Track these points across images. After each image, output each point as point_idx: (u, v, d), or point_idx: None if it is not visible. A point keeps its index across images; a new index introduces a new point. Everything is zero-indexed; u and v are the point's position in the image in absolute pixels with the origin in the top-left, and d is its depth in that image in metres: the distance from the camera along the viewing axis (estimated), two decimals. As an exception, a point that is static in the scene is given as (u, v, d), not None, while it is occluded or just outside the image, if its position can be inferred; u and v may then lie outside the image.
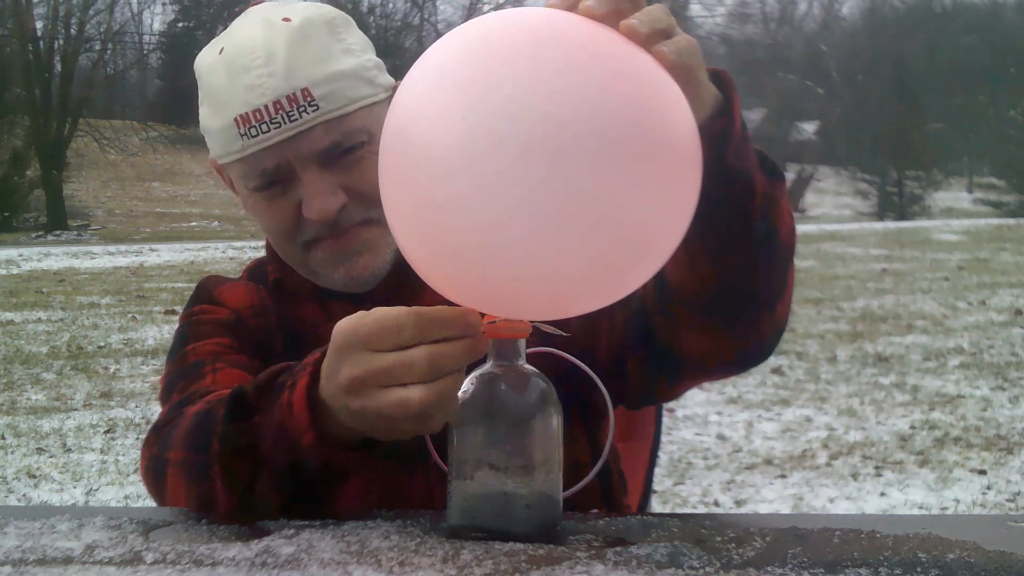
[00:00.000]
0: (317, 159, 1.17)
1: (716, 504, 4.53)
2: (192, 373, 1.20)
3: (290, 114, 1.14)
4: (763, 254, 1.01)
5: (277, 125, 1.14)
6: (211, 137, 1.21)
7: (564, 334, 0.90)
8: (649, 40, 0.81)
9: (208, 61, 1.21)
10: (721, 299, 1.03)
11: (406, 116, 0.83)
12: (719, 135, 0.90)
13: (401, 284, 1.17)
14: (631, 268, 0.84)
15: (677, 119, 0.82)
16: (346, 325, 0.89)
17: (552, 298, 0.84)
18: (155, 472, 1.10)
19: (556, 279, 0.81)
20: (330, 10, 1.23)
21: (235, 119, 1.15)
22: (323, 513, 0.99)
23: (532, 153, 0.75)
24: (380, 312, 0.88)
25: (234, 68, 1.16)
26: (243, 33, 1.18)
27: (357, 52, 1.21)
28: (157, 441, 1.11)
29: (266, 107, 1.14)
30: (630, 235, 0.80)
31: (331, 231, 1.19)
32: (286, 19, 1.18)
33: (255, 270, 1.35)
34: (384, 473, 1.13)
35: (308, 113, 1.14)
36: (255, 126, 1.14)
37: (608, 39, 0.81)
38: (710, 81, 0.90)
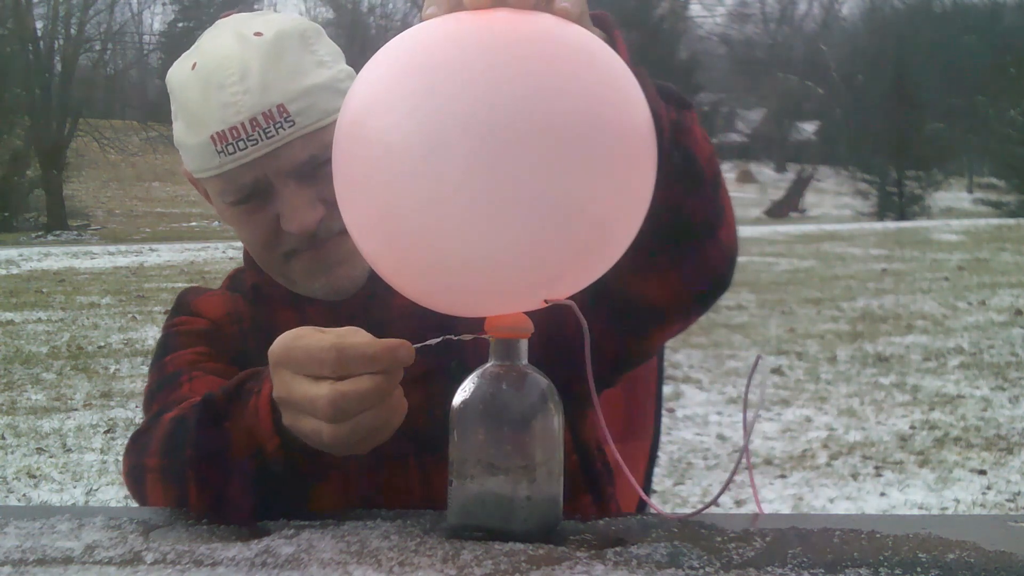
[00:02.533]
0: (295, 173, 1.17)
1: (716, 504, 4.53)
2: (170, 383, 1.22)
3: (266, 131, 1.14)
4: (686, 183, 1.01)
5: (254, 142, 1.14)
6: (187, 153, 1.21)
7: (568, 302, 0.90)
8: (537, 6, 0.83)
9: (181, 77, 1.20)
10: (657, 236, 1.02)
11: (361, 111, 0.84)
12: None
13: (375, 292, 1.18)
14: (591, 256, 0.86)
15: (630, 102, 0.83)
16: (280, 344, 0.92)
17: (506, 291, 0.85)
18: (135, 479, 1.13)
19: (513, 272, 0.83)
20: (302, 22, 1.24)
21: (211, 137, 1.15)
22: (314, 506, 1.01)
23: (488, 144, 0.77)
24: (313, 339, 0.90)
25: (208, 85, 1.15)
26: (216, 49, 1.18)
27: (329, 63, 1.21)
28: (135, 449, 1.14)
29: (242, 124, 1.14)
30: (588, 223, 0.81)
31: (310, 243, 1.19)
32: (258, 33, 1.17)
33: (234, 279, 1.37)
34: (365, 469, 1.14)
35: (284, 129, 1.14)
36: (232, 143, 1.14)
37: (546, 26, 0.83)
38: (594, 25, 0.92)
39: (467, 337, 0.92)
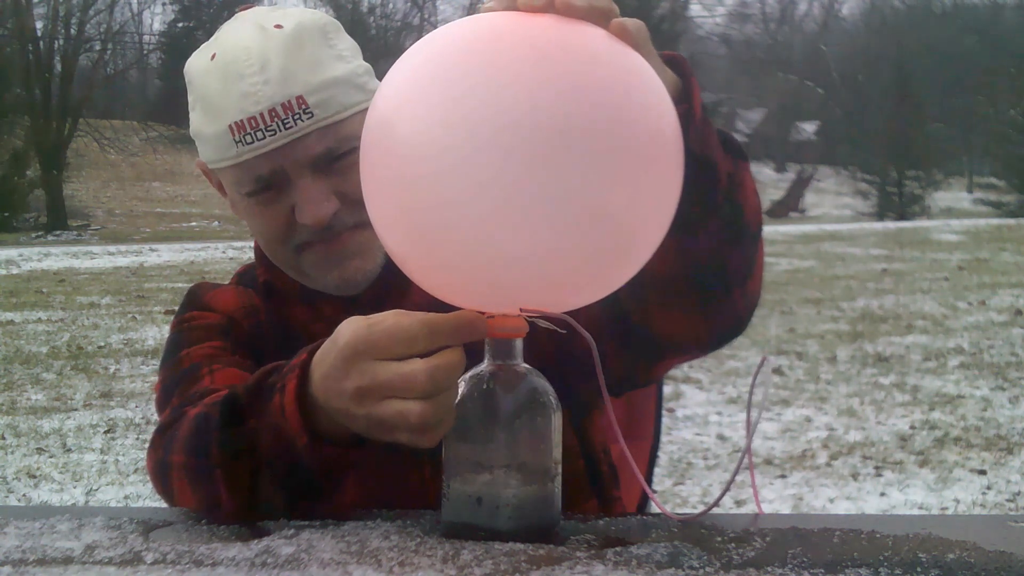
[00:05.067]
0: (311, 165, 1.17)
1: (718, 504, 4.52)
2: (189, 376, 1.20)
3: (285, 121, 1.15)
4: (729, 234, 1.01)
5: (273, 132, 1.15)
6: (204, 143, 1.21)
7: (561, 331, 0.90)
8: (588, 17, 0.83)
9: (200, 67, 1.21)
10: (690, 280, 1.04)
11: (390, 109, 0.85)
12: (680, 120, 0.91)
13: (390, 286, 1.18)
14: (616, 261, 0.86)
15: (657, 108, 0.84)
16: (355, 332, 0.89)
17: (527, 293, 0.85)
18: (162, 475, 1.11)
19: (536, 272, 0.83)
20: (321, 16, 1.24)
21: (230, 126, 1.15)
22: (328, 510, 1.00)
23: (515, 149, 0.77)
24: (391, 321, 0.88)
25: (228, 75, 1.16)
26: (236, 40, 1.18)
27: (348, 58, 1.22)
28: (161, 443, 1.12)
29: (261, 115, 1.14)
30: (613, 227, 0.82)
31: (324, 235, 1.19)
32: (278, 26, 1.18)
33: (244, 275, 1.36)
34: (380, 469, 1.14)
35: (303, 120, 1.15)
36: (250, 133, 1.15)
37: (587, 34, 0.83)
38: (667, 66, 0.92)
39: (545, 324, 0.90)
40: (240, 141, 1.15)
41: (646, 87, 0.83)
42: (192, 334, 1.27)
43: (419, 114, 0.81)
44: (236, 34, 1.19)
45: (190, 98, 1.23)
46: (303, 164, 1.17)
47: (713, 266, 1.03)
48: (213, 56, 1.19)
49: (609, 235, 0.82)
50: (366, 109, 1.19)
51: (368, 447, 0.98)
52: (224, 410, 1.01)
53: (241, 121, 1.15)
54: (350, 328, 0.89)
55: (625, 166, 0.80)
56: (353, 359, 0.88)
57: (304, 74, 1.16)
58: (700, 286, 1.05)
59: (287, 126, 1.15)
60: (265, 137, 1.15)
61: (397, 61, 0.88)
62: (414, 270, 0.89)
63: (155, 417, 1.20)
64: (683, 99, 0.91)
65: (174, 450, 1.08)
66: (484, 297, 0.87)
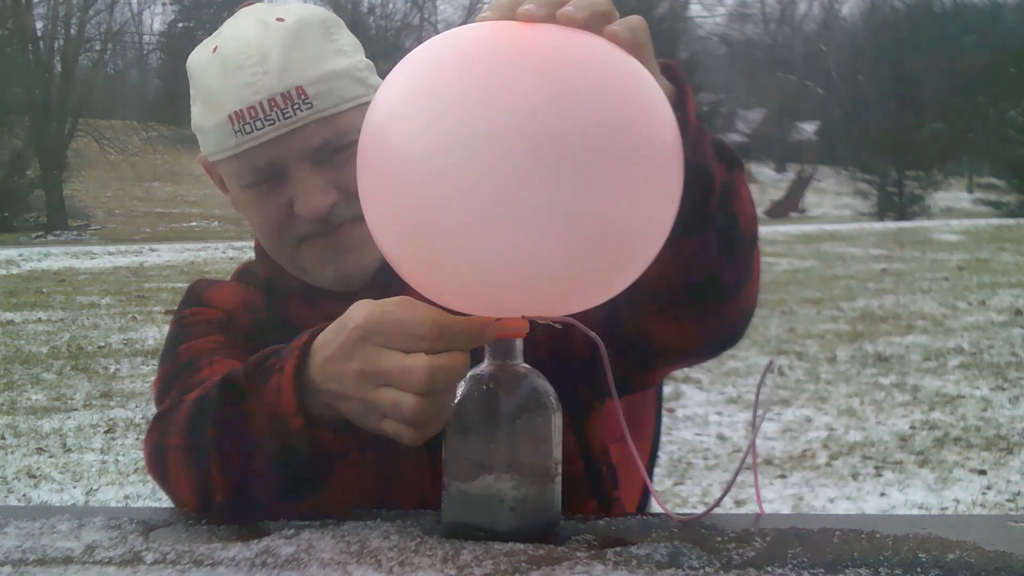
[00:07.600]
0: (310, 157, 1.18)
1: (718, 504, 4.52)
2: (189, 369, 1.21)
3: (284, 111, 1.15)
4: (725, 243, 1.01)
5: (272, 122, 1.15)
6: (204, 135, 1.22)
7: (557, 326, 0.90)
8: (589, 24, 0.83)
9: (201, 60, 1.22)
10: (685, 289, 1.04)
11: (384, 116, 0.85)
12: None
13: (388, 284, 1.18)
14: (612, 266, 0.86)
15: (655, 115, 0.84)
16: (367, 316, 0.90)
17: (521, 298, 0.85)
18: (157, 459, 1.11)
19: (529, 277, 0.83)
20: (322, 11, 1.25)
21: (229, 116, 1.16)
22: (320, 503, 1.00)
23: (509, 155, 0.77)
24: (404, 312, 0.89)
25: (228, 66, 1.17)
26: (237, 32, 1.20)
27: (349, 53, 1.23)
28: (158, 428, 1.12)
29: (261, 104, 1.15)
30: (609, 233, 0.82)
31: (322, 228, 1.20)
32: (280, 19, 1.19)
33: (244, 272, 1.37)
34: (375, 464, 1.14)
35: (302, 111, 1.16)
36: (249, 123, 1.16)
37: (584, 42, 0.83)
38: (662, 75, 0.92)
39: (543, 319, 0.91)
40: (240, 131, 1.16)
41: (644, 94, 0.83)
42: (191, 329, 1.27)
43: (414, 118, 0.82)
44: (237, 28, 1.21)
45: (192, 92, 1.24)
46: (302, 155, 1.18)
47: (708, 275, 1.03)
48: (215, 49, 1.20)
49: (605, 241, 0.82)
50: (366, 103, 1.19)
51: (360, 440, 0.98)
52: (222, 390, 1.01)
53: (241, 111, 1.16)
54: (362, 312, 0.90)
55: (621, 172, 0.80)
56: (360, 342, 0.89)
57: (304, 66, 1.17)
58: (695, 295, 1.05)
59: (286, 116, 1.15)
60: (264, 127, 1.15)
61: (396, 66, 0.88)
62: (408, 273, 0.89)
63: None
64: (677, 107, 0.91)
65: (172, 432, 1.08)
66: (476, 301, 0.87)
